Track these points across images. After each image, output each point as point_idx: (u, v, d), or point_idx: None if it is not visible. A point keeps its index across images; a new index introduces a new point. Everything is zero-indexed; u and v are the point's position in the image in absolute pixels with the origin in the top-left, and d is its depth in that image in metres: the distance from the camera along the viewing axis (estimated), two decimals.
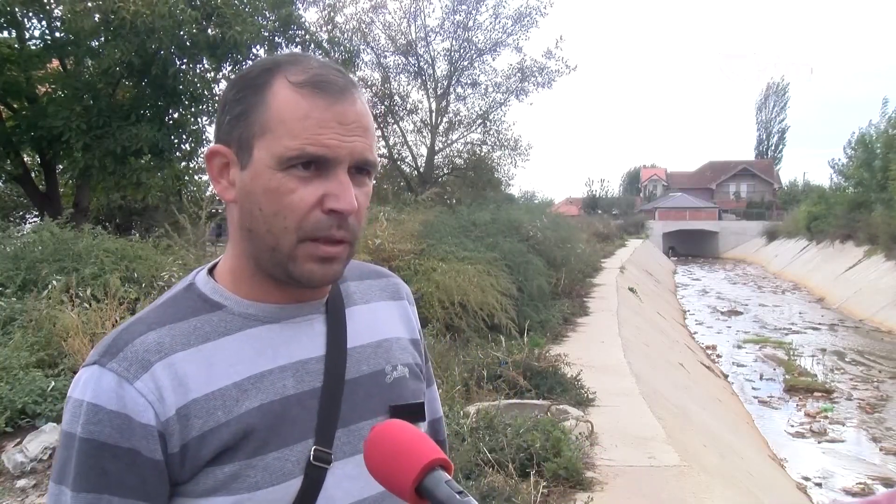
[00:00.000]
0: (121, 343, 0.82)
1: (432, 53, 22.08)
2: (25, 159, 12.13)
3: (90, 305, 5.39)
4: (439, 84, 22.26)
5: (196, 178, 13.86)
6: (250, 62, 11.84)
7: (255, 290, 0.88)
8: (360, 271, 1.02)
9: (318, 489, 0.85)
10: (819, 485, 7.09)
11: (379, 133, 22.58)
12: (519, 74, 21.63)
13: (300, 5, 13.46)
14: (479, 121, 22.72)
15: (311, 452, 0.85)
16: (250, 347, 0.85)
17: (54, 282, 5.78)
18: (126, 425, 0.78)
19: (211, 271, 0.92)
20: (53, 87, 11.41)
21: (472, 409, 4.82)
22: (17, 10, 10.40)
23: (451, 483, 0.73)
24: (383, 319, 0.99)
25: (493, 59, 22.75)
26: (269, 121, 0.82)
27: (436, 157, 22.97)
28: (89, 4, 10.05)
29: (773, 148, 70.37)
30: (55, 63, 11.59)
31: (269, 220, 0.83)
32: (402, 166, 23.37)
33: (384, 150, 22.85)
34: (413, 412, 0.95)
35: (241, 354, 0.85)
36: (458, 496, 0.71)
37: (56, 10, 10.90)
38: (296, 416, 0.85)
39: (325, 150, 0.81)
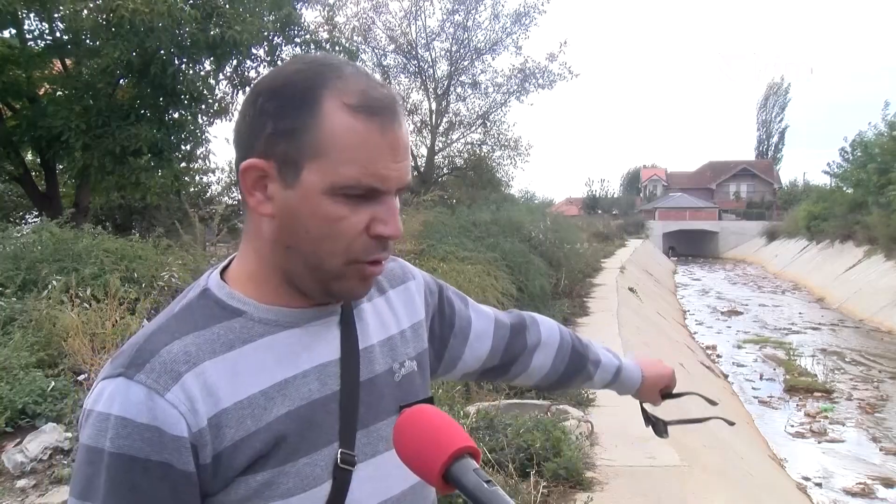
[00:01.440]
0: (146, 354, 0.80)
1: (432, 54, 22.10)
2: (26, 159, 12.13)
3: (90, 305, 5.39)
4: (439, 84, 22.28)
5: (196, 178, 13.86)
6: (250, 62, 11.95)
7: (277, 296, 0.87)
8: None
9: (346, 492, 0.86)
10: (819, 485, 7.09)
11: None
12: (520, 76, 21.65)
13: (300, 4, 13.43)
14: (480, 121, 22.75)
15: (338, 456, 0.85)
16: (273, 354, 0.85)
17: (54, 282, 5.77)
18: (158, 438, 0.77)
19: (222, 274, 0.91)
20: (53, 86, 11.41)
21: (472, 409, 4.82)
22: (18, 9, 10.39)
23: (479, 471, 0.73)
24: (386, 315, 0.98)
25: (493, 59, 22.79)
26: (322, 144, 0.80)
27: (436, 157, 22.99)
28: (91, 4, 10.04)
29: (773, 148, 70.41)
30: (58, 64, 11.59)
31: (315, 243, 0.83)
32: None
33: None
34: None
35: (266, 361, 0.84)
36: (485, 485, 0.71)
37: (58, 10, 10.89)
38: (321, 420, 0.86)
39: (379, 182, 0.81)
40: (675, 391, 1.40)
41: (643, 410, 1.41)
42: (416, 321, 1.02)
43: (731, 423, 1.45)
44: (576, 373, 1.29)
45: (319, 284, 0.86)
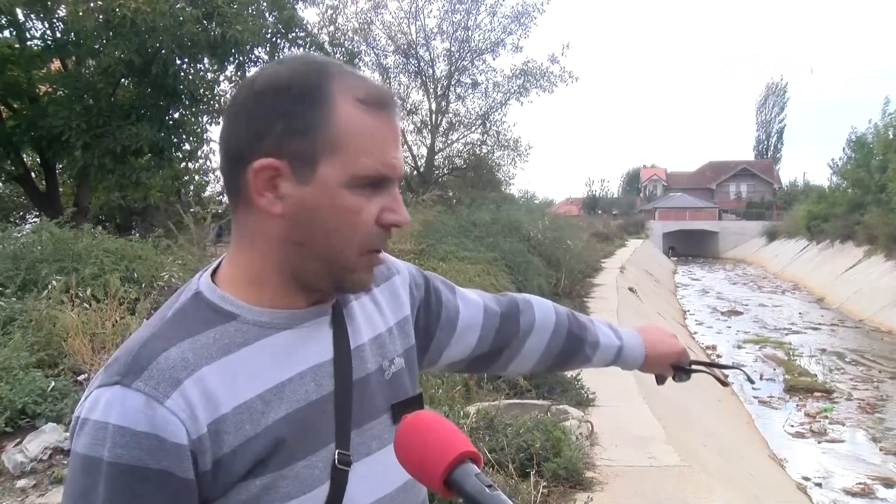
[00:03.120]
0: (143, 361, 0.79)
1: (432, 53, 22.10)
2: (25, 159, 12.13)
3: (90, 305, 5.38)
4: (439, 84, 22.28)
5: (196, 178, 13.87)
6: (252, 63, 11.96)
7: (273, 298, 0.87)
8: None
9: (343, 492, 0.85)
10: (819, 485, 7.09)
11: None
12: (521, 77, 21.64)
13: (301, 5, 13.45)
14: (479, 121, 22.76)
15: (336, 456, 0.85)
16: (269, 357, 0.84)
17: (54, 282, 5.76)
18: (158, 447, 0.76)
19: (212, 276, 0.90)
20: (54, 86, 11.41)
21: (472, 409, 4.82)
22: (18, 10, 10.39)
23: (481, 476, 0.73)
24: (374, 313, 0.98)
25: (494, 59, 22.80)
26: (339, 138, 0.82)
27: (436, 157, 23.00)
28: (91, 4, 10.05)
29: (772, 148, 70.40)
30: (56, 63, 11.59)
31: (331, 236, 0.84)
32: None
33: None
34: (413, 406, 0.96)
35: (262, 365, 0.84)
36: (487, 489, 0.71)
37: (59, 11, 10.89)
38: (318, 421, 0.85)
39: (391, 171, 0.84)
40: (689, 366, 1.33)
41: (672, 375, 1.35)
42: (402, 317, 1.02)
43: (752, 382, 1.37)
44: (571, 355, 1.25)
45: (332, 279, 0.86)
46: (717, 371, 1.39)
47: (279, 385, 0.84)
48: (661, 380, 1.36)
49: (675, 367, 1.32)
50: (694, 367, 1.33)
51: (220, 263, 0.92)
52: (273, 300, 0.87)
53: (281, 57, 11.94)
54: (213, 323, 0.84)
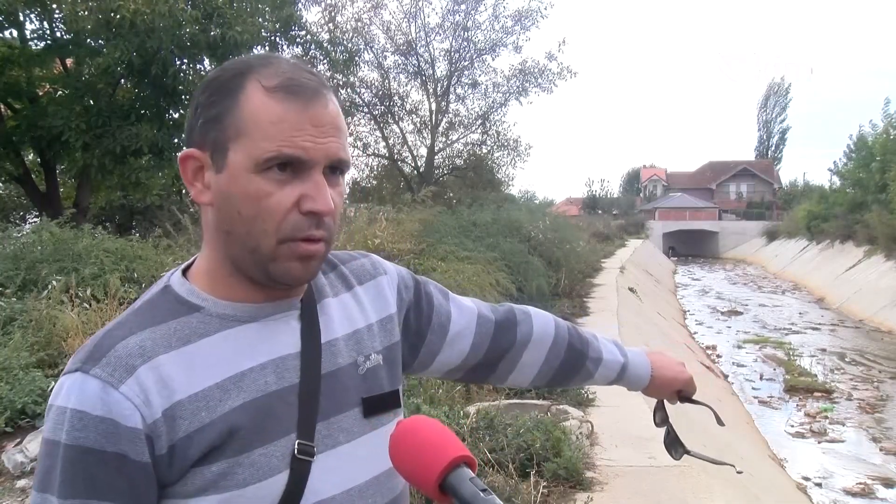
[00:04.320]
0: (103, 349, 0.82)
1: (432, 53, 22.12)
2: (25, 159, 12.13)
3: (90, 305, 5.40)
4: (439, 84, 22.28)
5: None
6: None
7: (233, 291, 0.89)
8: (329, 262, 1.02)
9: (305, 482, 0.86)
10: (819, 485, 7.09)
11: (378, 133, 22.60)
12: (520, 77, 21.65)
13: (301, 5, 13.44)
14: (479, 121, 22.75)
15: (295, 446, 0.86)
16: (230, 347, 0.86)
17: (54, 282, 5.77)
18: (112, 430, 0.78)
19: (185, 272, 0.93)
20: (54, 86, 11.41)
21: (472, 409, 4.82)
22: (18, 9, 10.39)
23: (476, 480, 0.73)
24: (353, 309, 0.99)
25: (493, 60, 22.80)
26: (243, 124, 0.83)
27: (436, 157, 23.00)
28: (90, 4, 10.04)
29: (773, 148, 70.40)
30: (58, 64, 11.59)
31: (247, 223, 0.84)
32: (403, 166, 23.39)
33: (384, 151, 22.87)
34: (386, 402, 0.97)
35: (222, 355, 0.86)
36: (481, 494, 0.71)
37: (57, 11, 10.89)
38: (278, 412, 0.87)
39: (300, 152, 0.83)
40: (693, 397, 1.32)
41: (669, 428, 1.34)
42: (386, 315, 1.02)
43: (740, 472, 1.40)
44: (573, 371, 1.23)
45: (260, 268, 0.86)
46: (715, 410, 1.41)
47: (238, 375, 0.85)
48: (661, 421, 1.35)
49: (679, 396, 1.32)
50: (697, 400, 1.33)
51: (195, 259, 0.95)
52: (231, 293, 0.89)
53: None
54: (177, 314, 0.87)
